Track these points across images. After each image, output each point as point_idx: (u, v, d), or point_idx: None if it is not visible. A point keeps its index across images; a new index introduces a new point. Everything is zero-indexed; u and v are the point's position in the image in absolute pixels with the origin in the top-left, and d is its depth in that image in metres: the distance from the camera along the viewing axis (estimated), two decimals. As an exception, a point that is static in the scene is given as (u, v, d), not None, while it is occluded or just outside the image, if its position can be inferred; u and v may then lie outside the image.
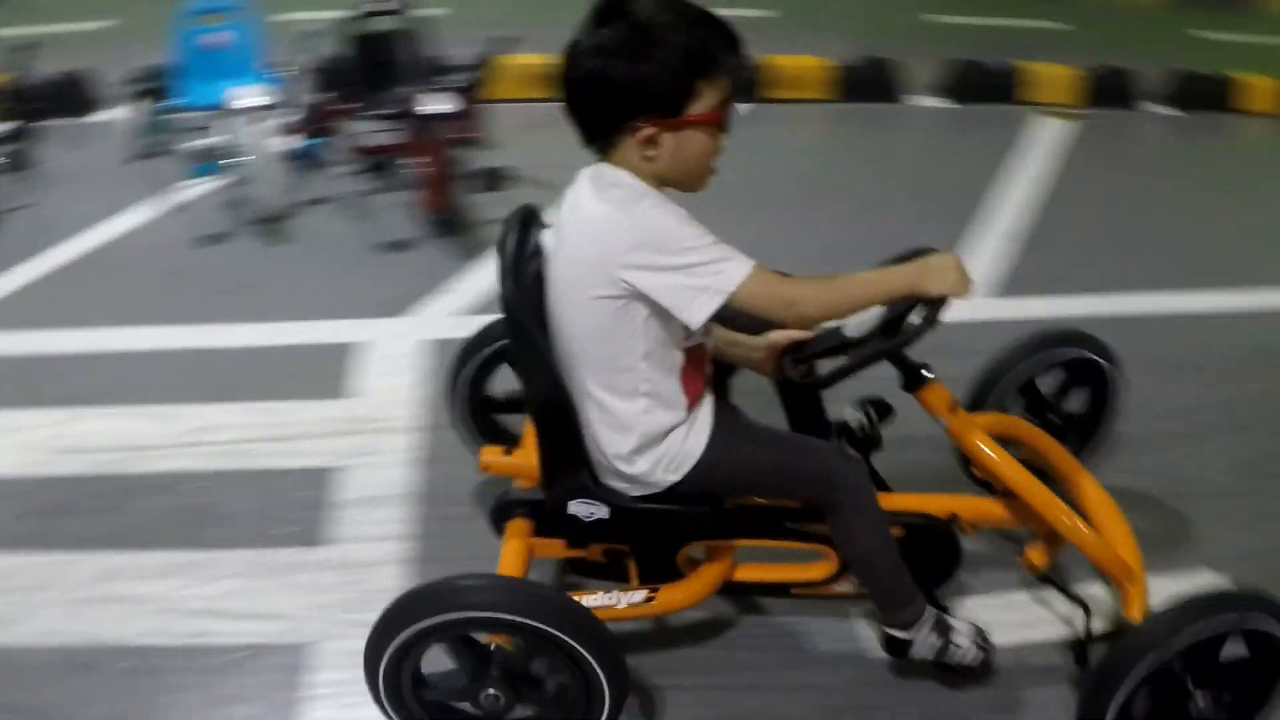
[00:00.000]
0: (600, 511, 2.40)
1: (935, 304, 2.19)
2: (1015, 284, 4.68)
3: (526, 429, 2.83)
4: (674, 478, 2.33)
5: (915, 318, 2.22)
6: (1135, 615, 2.48)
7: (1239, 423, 3.75)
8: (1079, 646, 2.65)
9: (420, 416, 3.56)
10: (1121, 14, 9.96)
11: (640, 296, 2.11)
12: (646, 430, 2.29)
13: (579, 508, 2.41)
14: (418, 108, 4.67)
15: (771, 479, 2.44)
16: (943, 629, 2.56)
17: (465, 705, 2.33)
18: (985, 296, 4.49)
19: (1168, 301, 4.70)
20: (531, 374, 2.31)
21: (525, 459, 2.71)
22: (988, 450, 2.51)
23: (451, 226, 4.77)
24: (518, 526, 2.58)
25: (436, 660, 2.27)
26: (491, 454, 2.77)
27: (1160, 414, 3.68)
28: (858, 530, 2.43)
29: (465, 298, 4.37)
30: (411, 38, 5.16)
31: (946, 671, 2.63)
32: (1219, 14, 10.29)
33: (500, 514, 2.61)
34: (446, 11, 7.49)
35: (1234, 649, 2.31)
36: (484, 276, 4.48)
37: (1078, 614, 2.67)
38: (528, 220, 2.29)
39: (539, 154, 5.64)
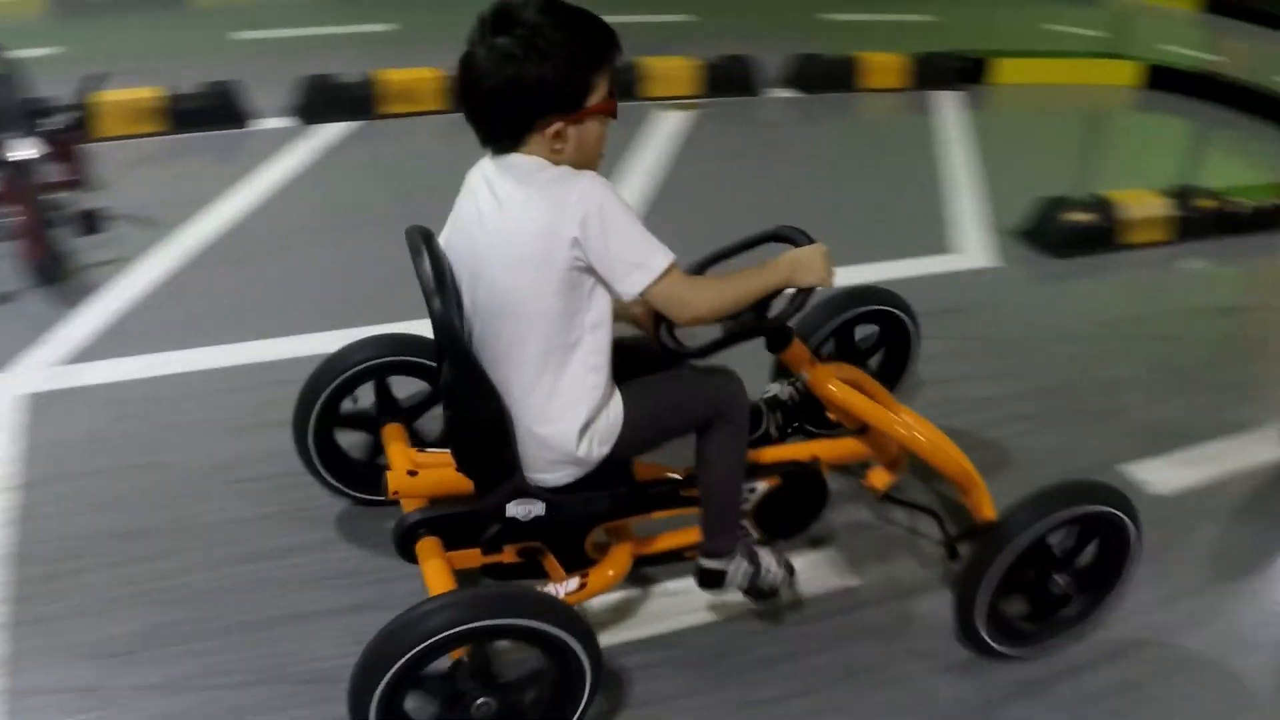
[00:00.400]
0: (537, 509, 2.60)
1: (804, 292, 2.65)
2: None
3: (395, 452, 3.03)
4: (605, 450, 2.52)
5: (783, 303, 2.67)
6: (988, 513, 3.01)
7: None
8: (948, 545, 3.23)
9: (16, 474, 3.53)
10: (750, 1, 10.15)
11: (587, 269, 2.31)
12: (591, 403, 2.47)
13: (517, 509, 2.60)
14: (5, 154, 4.57)
15: (675, 416, 2.66)
16: (753, 556, 2.89)
17: None
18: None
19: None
20: (467, 389, 2.42)
21: (437, 477, 2.87)
22: (841, 393, 3.00)
23: (51, 275, 4.71)
24: (429, 545, 2.73)
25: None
26: (398, 479, 2.86)
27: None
28: (727, 449, 2.69)
29: (66, 346, 4.32)
30: (6, 82, 5.02)
31: (756, 598, 3.02)
32: None
33: (407, 538, 2.76)
34: (58, 50, 7.29)
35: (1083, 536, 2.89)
36: (86, 323, 4.46)
37: (930, 523, 3.36)
38: (429, 239, 2.41)
39: (150, 190, 5.64)
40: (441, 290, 2.30)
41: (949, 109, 7.90)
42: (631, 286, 2.30)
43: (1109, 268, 5.74)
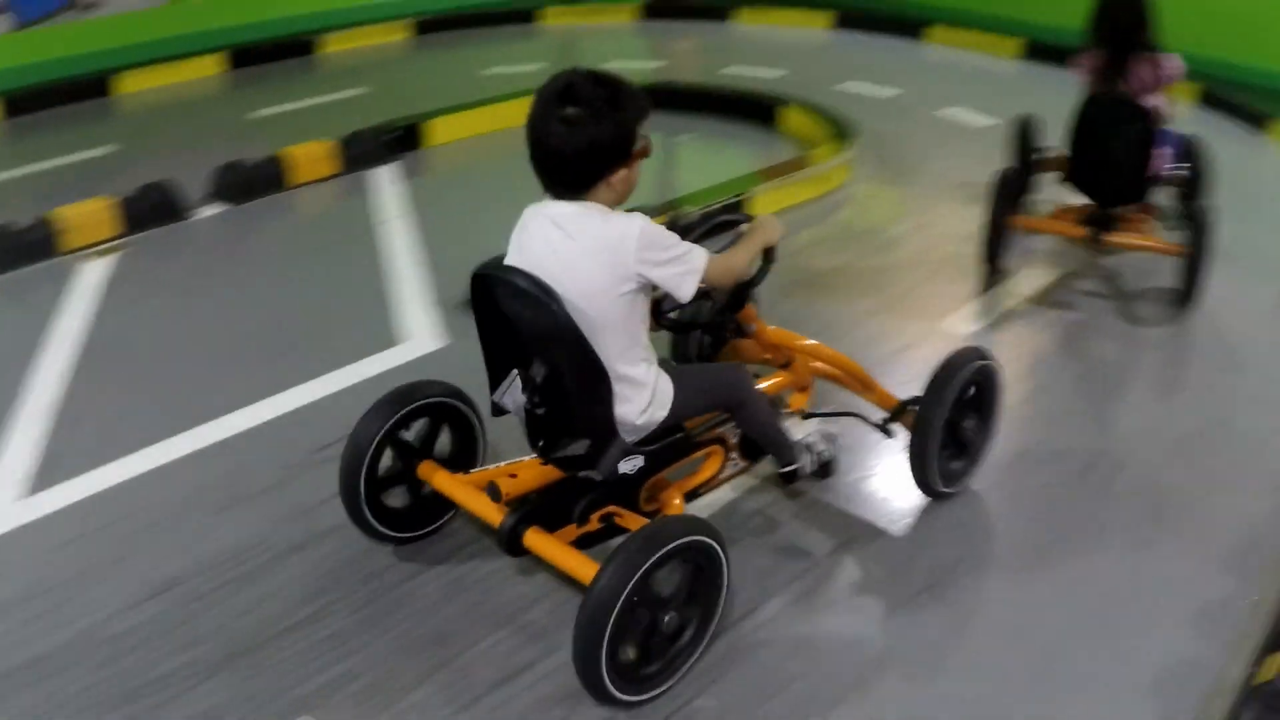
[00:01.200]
0: (638, 460, 3.44)
1: (771, 250, 3.72)
2: (50, 472, 4.50)
3: (446, 479, 3.79)
4: (663, 413, 3.38)
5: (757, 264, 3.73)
6: (892, 401, 4.34)
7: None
8: (883, 427, 4.33)
9: None
10: (171, 116, 9.65)
11: (646, 284, 3.13)
12: (652, 385, 3.32)
13: (626, 465, 3.40)
14: None
15: (707, 397, 3.62)
16: (810, 447, 3.95)
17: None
18: (15, 500, 4.31)
19: (257, 412, 4.91)
20: (589, 375, 3.17)
21: (531, 474, 3.63)
22: (780, 337, 4.22)
23: None
24: (536, 535, 3.47)
25: None
26: (508, 484, 3.53)
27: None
28: (757, 412, 3.76)
29: None
30: None
31: (823, 476, 4.11)
32: (270, 87, 10.25)
33: (513, 537, 3.47)
34: None
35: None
36: None
37: (850, 422, 4.40)
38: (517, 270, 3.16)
39: None
40: (552, 298, 3.06)
41: (386, 185, 7.78)
42: (689, 290, 3.14)
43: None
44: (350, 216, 7.31)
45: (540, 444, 3.48)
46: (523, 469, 3.63)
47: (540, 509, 3.51)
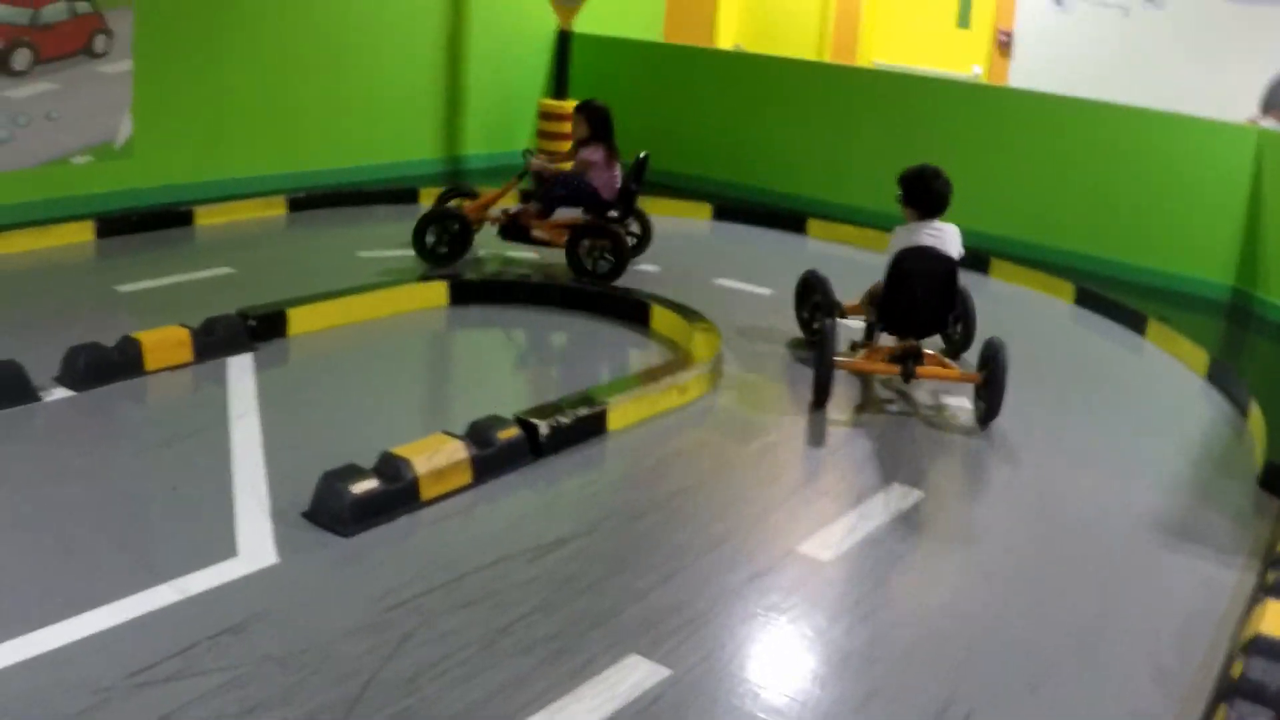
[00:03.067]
0: None
1: None
2: None
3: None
4: None
5: None
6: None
7: None
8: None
9: None
10: (37, 283, 9.39)
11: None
12: None
13: None
14: None
15: None
16: None
17: None
18: None
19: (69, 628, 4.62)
20: (950, 295, 7.75)
21: None
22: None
23: None
24: None
25: None
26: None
27: None
28: None
29: None
30: None
31: None
32: (142, 259, 9.98)
33: None
34: None
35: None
36: None
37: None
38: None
39: None
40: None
41: (241, 376, 7.56)
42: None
43: (405, 534, 5.59)
44: (201, 409, 7.08)
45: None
46: None
47: None
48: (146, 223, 11.15)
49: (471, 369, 8.78)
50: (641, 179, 10.33)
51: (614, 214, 10.24)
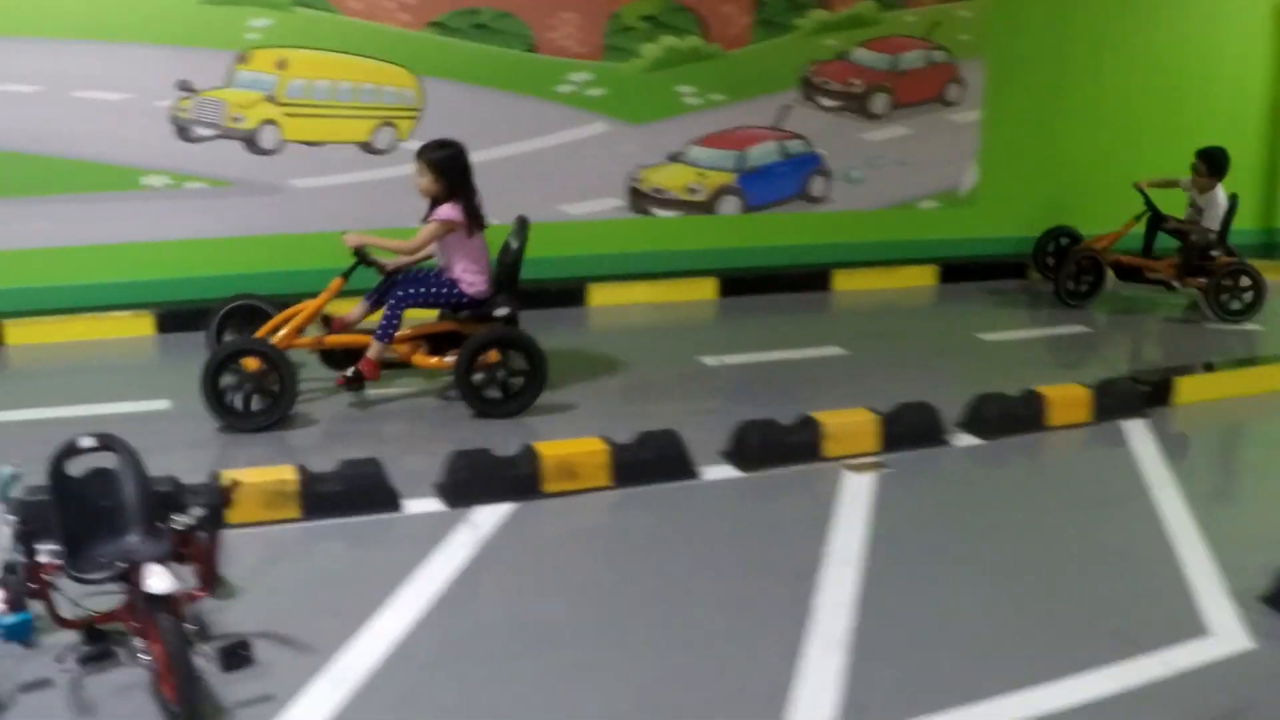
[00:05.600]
0: None
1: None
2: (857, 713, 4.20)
3: None
4: None
5: None
6: None
7: None
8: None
9: None
10: (888, 323, 9.58)
11: None
12: None
13: None
14: (143, 584, 4.00)
15: None
16: None
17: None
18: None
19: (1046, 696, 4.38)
20: None
21: None
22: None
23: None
24: None
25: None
26: None
27: None
28: None
29: None
30: (123, 473, 4.42)
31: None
32: (981, 307, 10.02)
33: None
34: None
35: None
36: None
37: None
38: None
39: (292, 597, 4.98)
40: None
41: (1138, 441, 7.23)
42: None
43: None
44: (1104, 472, 6.83)
45: None
46: None
47: None
48: (987, 271, 11.17)
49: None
50: None
51: None
